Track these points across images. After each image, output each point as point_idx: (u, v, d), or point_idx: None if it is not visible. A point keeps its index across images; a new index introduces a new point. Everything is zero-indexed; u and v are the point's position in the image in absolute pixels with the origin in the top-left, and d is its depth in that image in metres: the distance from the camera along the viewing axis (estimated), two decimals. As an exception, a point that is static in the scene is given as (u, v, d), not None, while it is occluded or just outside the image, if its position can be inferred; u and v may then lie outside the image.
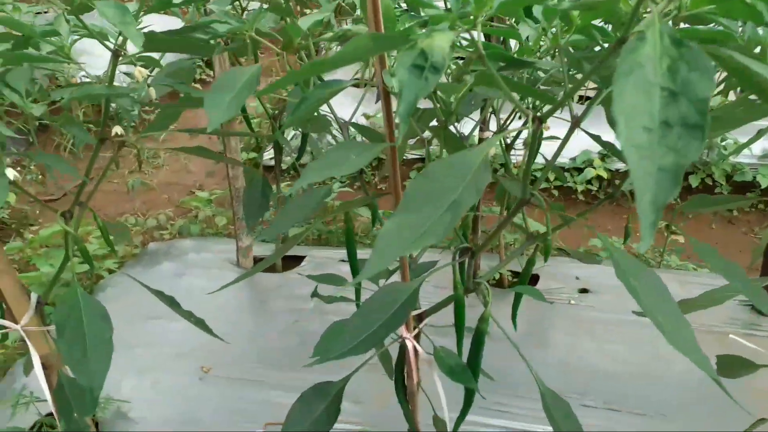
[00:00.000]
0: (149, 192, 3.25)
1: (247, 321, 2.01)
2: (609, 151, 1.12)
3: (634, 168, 0.35)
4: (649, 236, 0.34)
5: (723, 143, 3.15)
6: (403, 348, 1.08)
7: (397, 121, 0.95)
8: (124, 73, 1.09)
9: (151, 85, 1.17)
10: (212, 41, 0.99)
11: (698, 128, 0.35)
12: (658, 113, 0.36)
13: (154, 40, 0.90)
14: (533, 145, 0.60)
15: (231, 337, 1.71)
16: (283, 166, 3.12)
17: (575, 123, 0.73)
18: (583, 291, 2.11)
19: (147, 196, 3.21)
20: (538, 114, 0.58)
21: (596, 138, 1.15)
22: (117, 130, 1.09)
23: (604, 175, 3.11)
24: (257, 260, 2.31)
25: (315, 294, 1.20)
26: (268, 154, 3.15)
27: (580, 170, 3.19)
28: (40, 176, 3.28)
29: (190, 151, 1.26)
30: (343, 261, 2.29)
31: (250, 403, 1.67)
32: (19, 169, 3.23)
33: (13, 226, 2.91)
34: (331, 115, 1.22)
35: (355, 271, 1.22)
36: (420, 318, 1.11)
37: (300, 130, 1.79)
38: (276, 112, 1.81)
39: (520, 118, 1.78)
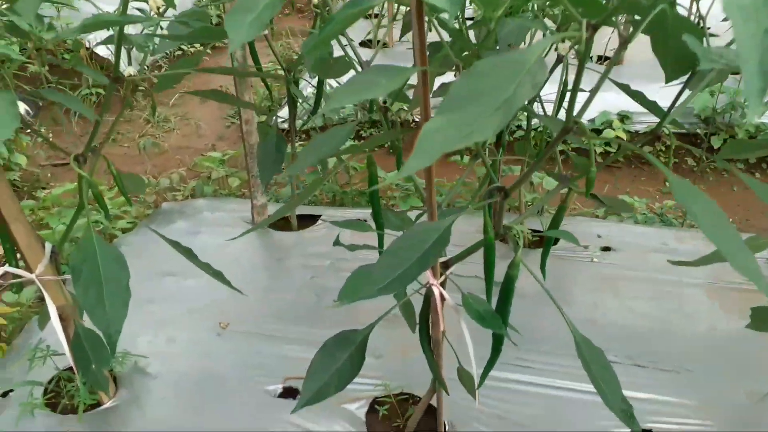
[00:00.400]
0: (161, 155, 3.22)
1: (263, 278, 1.99)
2: (639, 101, 1.06)
3: (739, 31, 0.30)
4: (757, 104, 0.30)
5: (746, 102, 3.06)
6: (428, 296, 1.05)
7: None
8: (137, 9, 1.04)
9: (166, 29, 1.13)
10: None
11: (814, -17, 0.30)
12: (764, -29, 0.31)
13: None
14: (585, 56, 0.55)
15: (248, 293, 1.69)
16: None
17: (624, 42, 0.68)
18: (606, 249, 2.07)
19: (158, 160, 3.17)
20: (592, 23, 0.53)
21: (624, 87, 1.09)
22: (130, 70, 1.05)
23: (624, 136, 3.04)
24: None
25: (337, 242, 1.17)
26: (281, 118, 3.10)
27: (598, 132, 3.13)
28: (51, 139, 3.25)
29: (206, 95, 1.22)
30: (359, 220, 2.25)
31: (268, 358, 1.65)
32: (29, 132, 3.20)
33: (25, 189, 2.89)
34: (354, 57, 1.17)
35: (378, 220, 1.19)
36: (446, 266, 1.07)
37: (314, 85, 1.74)
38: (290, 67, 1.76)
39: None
